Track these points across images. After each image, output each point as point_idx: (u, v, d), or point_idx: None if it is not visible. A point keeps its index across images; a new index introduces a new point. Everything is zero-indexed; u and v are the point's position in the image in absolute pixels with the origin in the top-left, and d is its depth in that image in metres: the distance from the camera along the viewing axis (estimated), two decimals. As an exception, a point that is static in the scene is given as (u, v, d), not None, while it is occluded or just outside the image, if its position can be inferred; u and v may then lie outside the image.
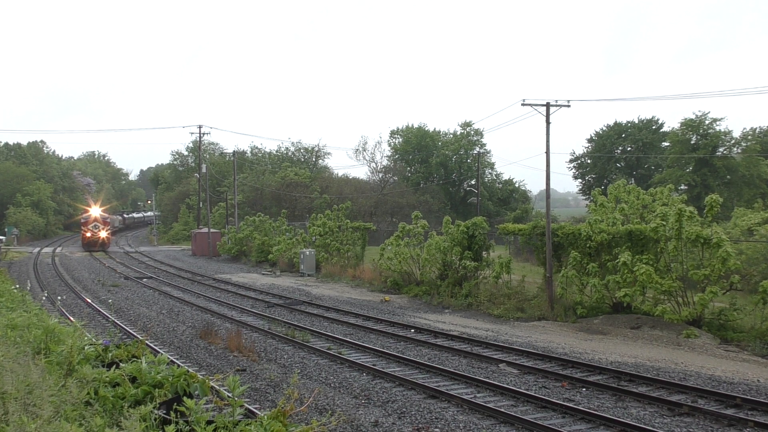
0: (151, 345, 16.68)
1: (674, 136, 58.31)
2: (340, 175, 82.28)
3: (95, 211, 60.27)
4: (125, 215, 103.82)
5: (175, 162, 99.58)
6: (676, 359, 16.38)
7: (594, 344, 18.36)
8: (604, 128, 71.71)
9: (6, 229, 66.94)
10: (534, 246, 25.54)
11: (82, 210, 68.26)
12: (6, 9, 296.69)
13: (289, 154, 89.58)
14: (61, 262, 46.62)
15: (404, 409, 12.03)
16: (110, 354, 7.03)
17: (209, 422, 4.93)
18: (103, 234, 58.47)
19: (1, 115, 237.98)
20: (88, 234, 57.96)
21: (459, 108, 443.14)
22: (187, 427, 4.79)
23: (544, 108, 23.81)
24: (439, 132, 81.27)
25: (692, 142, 56.39)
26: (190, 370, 6.98)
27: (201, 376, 6.27)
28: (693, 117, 56.15)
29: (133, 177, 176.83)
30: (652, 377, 14.10)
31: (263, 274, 39.14)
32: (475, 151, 73.26)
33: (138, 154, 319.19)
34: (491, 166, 78.12)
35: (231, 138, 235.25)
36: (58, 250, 58.83)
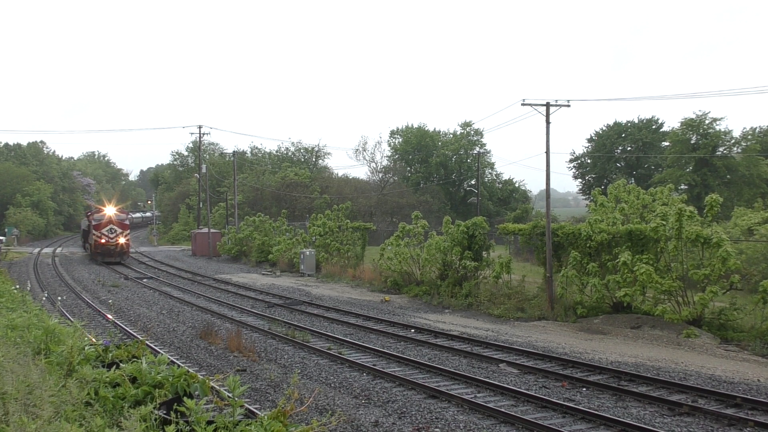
0: (151, 345, 16.67)
1: (674, 136, 58.31)
2: (340, 175, 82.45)
3: (110, 210, 48.06)
4: None
5: (175, 162, 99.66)
6: (676, 359, 16.38)
7: (594, 344, 18.36)
8: (604, 128, 71.75)
9: (6, 230, 66.93)
10: (534, 246, 25.54)
11: (94, 209, 54.01)
12: (7, 10, 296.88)
13: (289, 154, 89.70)
14: (61, 262, 46.61)
15: (404, 409, 12.03)
16: (110, 354, 7.04)
17: (209, 422, 4.94)
18: (122, 240, 46.75)
19: (2, 115, 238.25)
20: (103, 240, 46.07)
21: (459, 108, 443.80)
22: (188, 427, 4.80)
23: (544, 108, 23.83)
24: (439, 132, 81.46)
25: (692, 141, 56.39)
26: (190, 370, 6.98)
27: (201, 377, 6.27)
28: (693, 117, 56.22)
29: (133, 177, 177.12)
30: (652, 377, 14.09)
31: (263, 274, 39.12)
32: (475, 151, 73.30)
33: (138, 154, 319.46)
34: (491, 166, 78.30)
35: (231, 138, 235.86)
36: (59, 250, 58.77)
